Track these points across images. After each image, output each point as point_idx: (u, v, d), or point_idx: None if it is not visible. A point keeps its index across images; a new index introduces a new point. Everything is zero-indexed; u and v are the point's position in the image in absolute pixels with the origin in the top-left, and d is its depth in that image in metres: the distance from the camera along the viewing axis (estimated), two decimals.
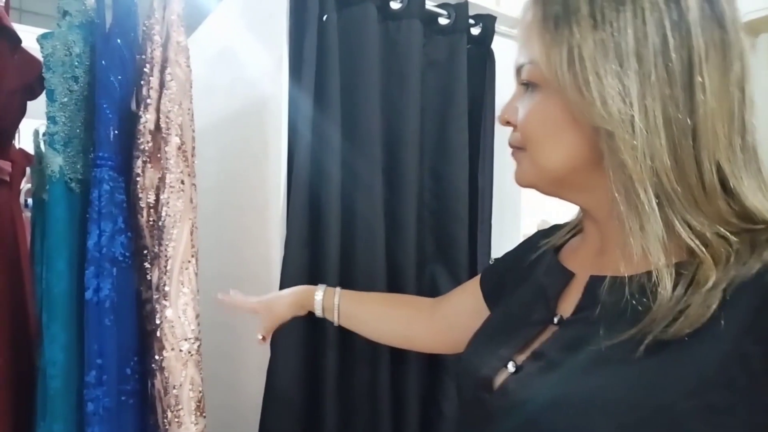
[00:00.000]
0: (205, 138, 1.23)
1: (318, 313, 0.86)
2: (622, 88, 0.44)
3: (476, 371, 0.55)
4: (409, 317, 0.83)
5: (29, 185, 1.09)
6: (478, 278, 0.75)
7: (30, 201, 1.21)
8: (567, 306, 0.53)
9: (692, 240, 0.44)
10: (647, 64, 0.43)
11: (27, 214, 1.16)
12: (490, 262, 1.15)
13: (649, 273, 0.46)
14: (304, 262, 0.98)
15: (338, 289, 0.87)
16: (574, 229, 0.64)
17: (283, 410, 0.94)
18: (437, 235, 1.14)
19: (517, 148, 0.55)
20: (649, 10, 0.44)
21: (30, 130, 1.10)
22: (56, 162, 0.79)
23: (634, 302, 0.45)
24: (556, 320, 0.53)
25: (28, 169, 1.56)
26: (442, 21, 1.16)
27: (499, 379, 0.52)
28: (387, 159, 1.06)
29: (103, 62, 0.79)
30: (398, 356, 1.02)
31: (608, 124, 0.44)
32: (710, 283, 0.42)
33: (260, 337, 0.88)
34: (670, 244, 0.44)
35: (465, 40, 1.16)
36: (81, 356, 0.74)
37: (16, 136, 1.76)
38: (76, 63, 0.81)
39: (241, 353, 1.17)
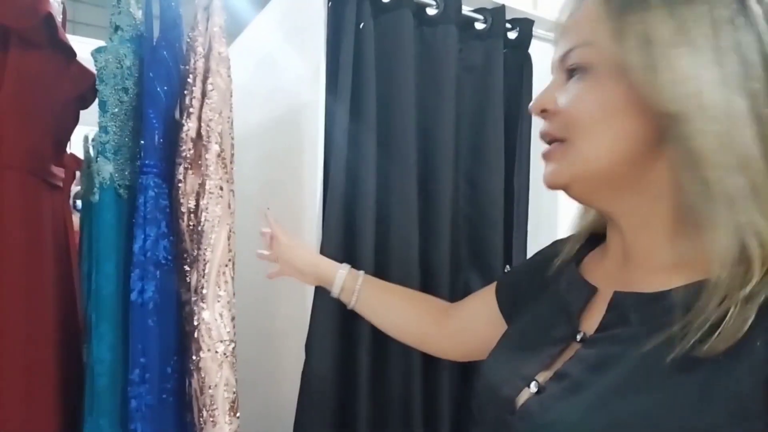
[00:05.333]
0: (244, 145, 1.26)
1: (335, 292, 0.85)
2: (697, 73, 0.42)
3: (497, 390, 0.53)
4: (424, 317, 0.82)
5: (78, 188, 1.15)
6: (493, 287, 0.73)
7: (79, 203, 1.28)
8: (590, 323, 0.51)
9: (754, 243, 0.41)
10: (724, 57, 0.42)
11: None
12: (506, 271, 1.12)
13: (681, 288, 0.44)
14: None
15: (362, 273, 0.85)
16: (590, 239, 0.61)
17: (317, 416, 0.95)
18: (472, 242, 1.13)
19: (553, 141, 0.51)
20: (720, 9, 0.43)
21: (80, 136, 1.15)
22: (107, 169, 0.83)
23: (663, 320, 0.43)
24: (579, 338, 0.51)
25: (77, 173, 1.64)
26: (479, 26, 1.15)
27: (521, 400, 0.50)
28: (422, 165, 1.06)
29: (151, 74, 0.83)
30: (432, 363, 1.02)
31: (683, 106, 0.42)
32: (748, 293, 0.40)
33: (262, 253, 0.93)
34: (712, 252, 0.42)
35: (501, 44, 1.14)
36: (126, 355, 0.77)
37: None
38: (127, 75, 0.84)
39: (277, 359, 1.19)
